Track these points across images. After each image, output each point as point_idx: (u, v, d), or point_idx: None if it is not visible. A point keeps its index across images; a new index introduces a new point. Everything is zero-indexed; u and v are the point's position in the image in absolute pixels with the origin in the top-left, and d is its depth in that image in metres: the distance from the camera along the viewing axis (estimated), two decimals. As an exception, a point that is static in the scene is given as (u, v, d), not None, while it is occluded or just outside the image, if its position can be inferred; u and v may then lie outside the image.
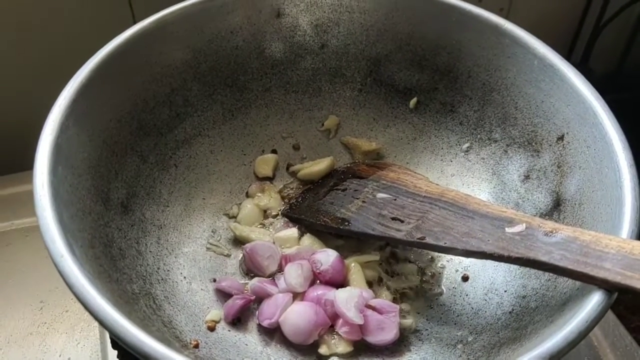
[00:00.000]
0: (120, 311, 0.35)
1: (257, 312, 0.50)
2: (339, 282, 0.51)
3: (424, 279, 0.54)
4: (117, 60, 0.49)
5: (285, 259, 0.52)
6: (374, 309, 0.49)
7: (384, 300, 0.50)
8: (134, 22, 0.52)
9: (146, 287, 0.47)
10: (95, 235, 0.44)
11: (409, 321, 0.50)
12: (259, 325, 0.49)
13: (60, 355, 0.56)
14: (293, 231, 0.55)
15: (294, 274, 0.50)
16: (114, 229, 0.47)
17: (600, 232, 0.39)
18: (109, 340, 0.55)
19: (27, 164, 0.41)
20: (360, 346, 0.48)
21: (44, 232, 0.38)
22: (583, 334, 0.35)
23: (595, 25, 0.95)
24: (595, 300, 0.36)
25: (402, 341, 0.48)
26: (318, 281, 0.51)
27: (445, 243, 0.45)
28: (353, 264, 0.52)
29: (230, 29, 0.57)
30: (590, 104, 0.47)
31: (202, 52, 0.56)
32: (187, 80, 0.56)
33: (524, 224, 0.42)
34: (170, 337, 0.43)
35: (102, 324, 0.35)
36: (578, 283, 0.40)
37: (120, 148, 0.51)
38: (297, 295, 0.50)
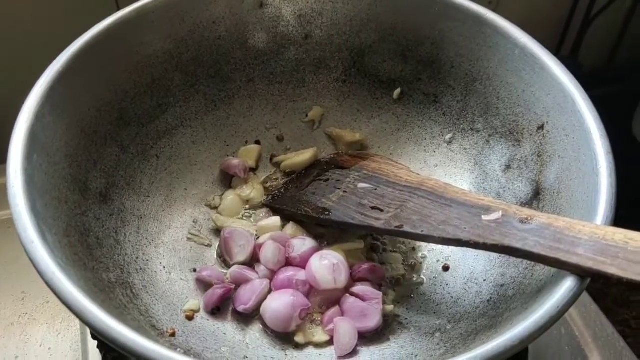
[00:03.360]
0: (93, 299, 0.35)
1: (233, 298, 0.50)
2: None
3: (405, 268, 0.54)
4: (96, 48, 0.49)
5: (259, 248, 0.52)
6: (357, 296, 0.48)
7: (367, 287, 0.50)
8: (118, 10, 0.51)
9: (123, 276, 0.46)
10: (71, 223, 0.44)
11: (389, 307, 0.50)
12: (238, 315, 0.49)
13: (40, 346, 0.56)
14: (276, 219, 0.55)
15: (270, 251, 0.50)
16: (91, 218, 0.47)
17: (576, 219, 0.39)
18: (89, 331, 0.55)
19: (7, 156, 0.41)
20: (339, 335, 0.48)
21: (16, 219, 0.38)
22: (554, 319, 0.35)
23: (584, 18, 0.94)
24: (567, 285, 0.36)
25: (381, 330, 0.48)
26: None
27: (422, 231, 0.45)
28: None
29: (213, 19, 0.57)
30: (570, 92, 0.47)
31: (184, 42, 0.56)
32: (168, 70, 0.56)
33: (501, 212, 0.42)
34: (146, 325, 0.43)
35: (72, 310, 0.34)
36: (553, 270, 0.40)
37: (100, 137, 0.50)
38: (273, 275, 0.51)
